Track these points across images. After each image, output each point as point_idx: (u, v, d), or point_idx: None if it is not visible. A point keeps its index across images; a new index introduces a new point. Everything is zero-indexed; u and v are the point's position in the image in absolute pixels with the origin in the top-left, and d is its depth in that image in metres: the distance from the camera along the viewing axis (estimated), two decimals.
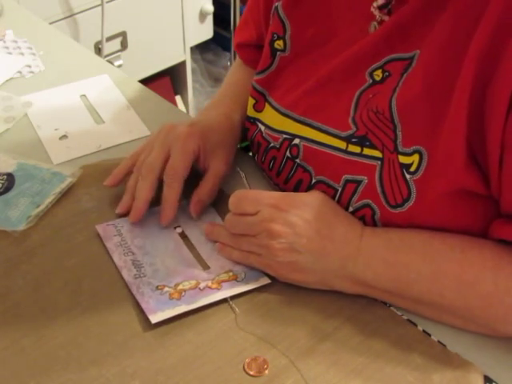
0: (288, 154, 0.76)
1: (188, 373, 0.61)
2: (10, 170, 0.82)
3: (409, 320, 0.65)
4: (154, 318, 0.65)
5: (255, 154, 0.83)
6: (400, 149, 0.65)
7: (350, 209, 0.69)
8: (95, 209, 0.77)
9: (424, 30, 0.64)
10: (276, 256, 0.66)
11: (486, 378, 0.60)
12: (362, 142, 0.68)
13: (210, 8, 2.07)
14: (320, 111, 0.73)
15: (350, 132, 0.70)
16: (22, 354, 0.62)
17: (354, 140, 0.69)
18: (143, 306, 0.66)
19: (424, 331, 0.64)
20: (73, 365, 0.61)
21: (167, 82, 2.10)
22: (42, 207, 0.77)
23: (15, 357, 0.62)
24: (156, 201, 0.76)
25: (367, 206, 0.68)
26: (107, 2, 1.76)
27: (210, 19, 2.11)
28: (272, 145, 0.78)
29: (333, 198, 0.70)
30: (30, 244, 0.74)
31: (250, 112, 0.82)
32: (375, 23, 0.69)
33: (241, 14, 2.00)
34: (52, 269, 0.71)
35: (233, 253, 0.70)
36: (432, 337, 0.64)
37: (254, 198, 0.68)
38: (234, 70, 0.95)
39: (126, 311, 0.66)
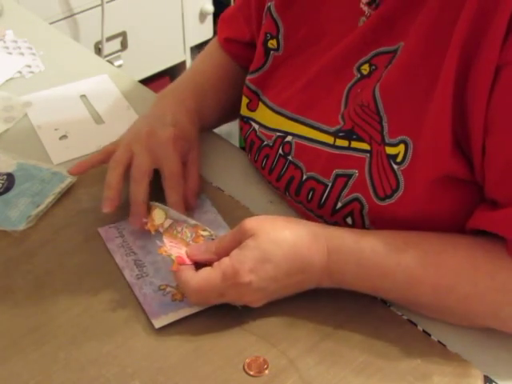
0: (280, 151, 0.76)
1: (188, 373, 0.61)
2: (10, 170, 0.82)
3: (409, 320, 0.65)
4: (158, 323, 0.64)
5: (248, 153, 0.83)
6: (386, 140, 0.66)
7: (339, 204, 0.69)
8: (95, 209, 0.77)
9: (408, 22, 0.64)
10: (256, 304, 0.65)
11: (486, 378, 0.60)
12: (349, 135, 0.69)
13: (210, 8, 2.07)
14: (311, 108, 0.74)
15: (337, 127, 0.70)
16: (22, 354, 0.62)
17: (340, 134, 0.70)
18: (146, 309, 0.66)
19: (424, 331, 0.64)
20: (73, 365, 0.61)
21: (167, 82, 2.10)
22: (41, 207, 0.77)
23: (15, 357, 0.62)
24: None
25: (356, 199, 0.68)
26: (107, 2, 1.76)
27: (209, 19, 2.11)
28: (265, 143, 0.78)
29: (322, 193, 0.71)
30: (29, 244, 0.74)
31: (244, 111, 0.82)
32: (364, 19, 0.70)
33: None
34: (52, 269, 0.71)
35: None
36: (432, 337, 0.64)
37: (212, 287, 0.63)
38: (205, 58, 0.93)
39: (126, 311, 0.66)
